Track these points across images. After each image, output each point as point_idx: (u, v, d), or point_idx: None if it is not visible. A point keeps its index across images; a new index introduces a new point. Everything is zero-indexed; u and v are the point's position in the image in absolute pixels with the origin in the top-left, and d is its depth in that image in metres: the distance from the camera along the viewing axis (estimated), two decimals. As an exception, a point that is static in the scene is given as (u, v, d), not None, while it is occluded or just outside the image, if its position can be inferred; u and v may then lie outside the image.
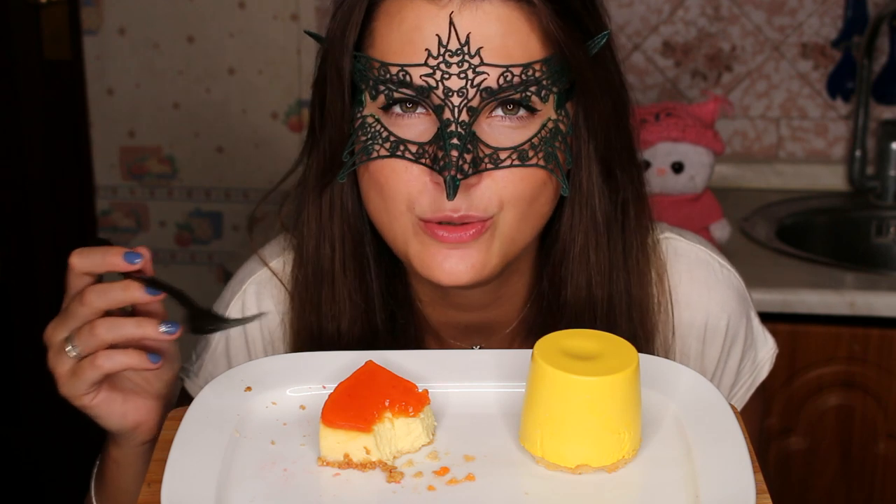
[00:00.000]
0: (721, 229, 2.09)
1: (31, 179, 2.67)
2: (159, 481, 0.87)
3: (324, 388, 0.99)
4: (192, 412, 0.95)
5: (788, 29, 2.42)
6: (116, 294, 0.97)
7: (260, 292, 1.19)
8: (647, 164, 2.05)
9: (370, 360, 0.96)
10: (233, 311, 1.19)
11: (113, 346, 0.98)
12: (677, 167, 2.05)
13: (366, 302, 1.13)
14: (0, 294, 2.74)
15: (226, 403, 0.97)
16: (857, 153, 2.39)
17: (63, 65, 2.60)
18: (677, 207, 2.06)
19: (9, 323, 2.76)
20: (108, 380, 1.02)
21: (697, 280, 1.16)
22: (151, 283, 0.97)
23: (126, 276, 0.98)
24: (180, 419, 0.95)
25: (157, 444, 0.97)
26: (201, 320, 0.98)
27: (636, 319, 1.12)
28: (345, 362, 1.00)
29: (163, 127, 2.60)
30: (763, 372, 1.22)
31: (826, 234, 2.35)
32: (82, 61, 2.58)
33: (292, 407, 0.98)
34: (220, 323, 0.98)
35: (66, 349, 0.98)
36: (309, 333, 1.14)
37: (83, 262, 0.98)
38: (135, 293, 0.97)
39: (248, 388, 0.99)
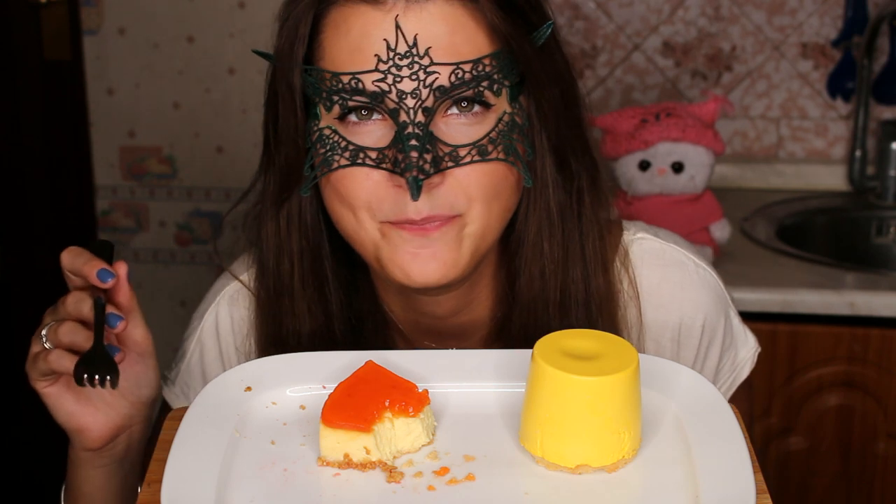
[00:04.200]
0: (721, 229, 2.08)
1: (31, 179, 2.67)
2: (159, 481, 0.87)
3: (324, 388, 0.99)
4: (192, 412, 0.95)
5: (788, 29, 2.42)
6: (84, 310, 1.02)
7: (233, 303, 1.20)
8: (647, 165, 2.05)
9: (370, 360, 0.96)
10: (208, 322, 1.21)
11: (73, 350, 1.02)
12: (677, 167, 2.05)
13: (325, 315, 1.14)
14: (0, 294, 2.74)
15: (226, 403, 0.97)
16: (857, 153, 2.39)
17: (63, 65, 2.60)
18: (677, 207, 2.06)
19: (9, 323, 2.76)
20: (66, 378, 1.06)
21: (670, 280, 1.16)
22: (99, 310, 1.02)
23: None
24: (180, 419, 0.95)
25: (157, 444, 0.97)
26: (93, 361, 0.99)
27: (595, 311, 1.12)
28: (345, 362, 1.00)
29: (163, 127, 2.60)
30: (744, 371, 1.21)
31: (826, 234, 2.35)
32: (82, 61, 2.58)
33: (292, 407, 0.98)
34: (100, 371, 0.99)
35: (43, 334, 1.04)
36: (271, 346, 1.15)
37: (68, 262, 1.04)
38: (89, 319, 1.02)
39: (248, 388, 0.99)
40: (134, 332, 1.07)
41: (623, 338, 1.13)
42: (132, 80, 2.58)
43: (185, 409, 0.97)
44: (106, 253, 1.06)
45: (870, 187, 2.39)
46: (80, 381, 0.98)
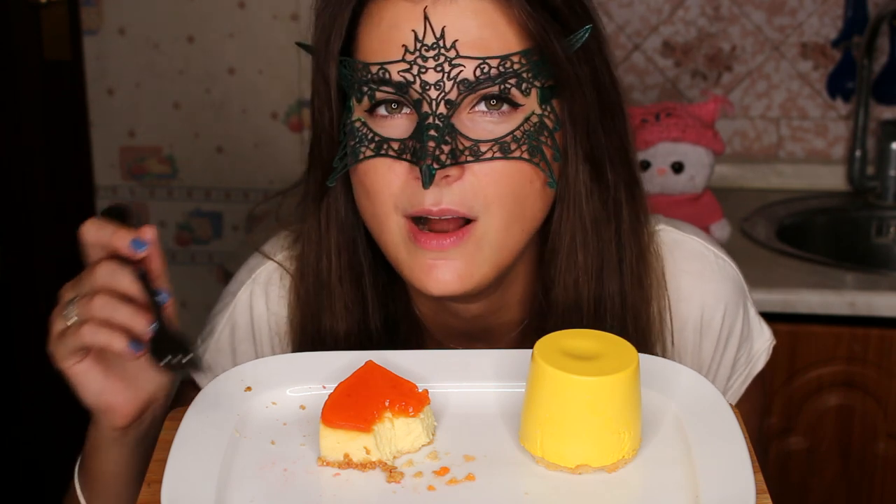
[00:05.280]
0: (721, 229, 2.09)
1: (31, 179, 2.67)
2: (159, 481, 0.87)
3: (324, 388, 0.99)
4: (192, 412, 0.95)
5: (788, 29, 2.42)
6: (122, 282, 0.98)
7: (269, 282, 1.19)
8: (647, 165, 2.05)
9: (370, 360, 0.96)
10: (241, 300, 1.20)
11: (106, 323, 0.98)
12: (677, 167, 2.05)
13: (362, 312, 1.13)
14: (0, 294, 2.74)
15: (226, 403, 0.97)
16: (857, 153, 2.39)
17: (63, 65, 2.60)
18: (677, 207, 2.06)
19: (9, 323, 2.76)
20: (95, 354, 1.02)
21: (692, 271, 1.16)
22: (147, 286, 0.99)
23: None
24: (180, 419, 0.95)
25: (157, 444, 0.97)
26: (165, 343, 0.97)
27: (630, 324, 1.11)
28: (345, 362, 1.00)
29: (163, 127, 2.60)
30: (759, 363, 1.22)
31: (826, 234, 2.35)
32: (82, 61, 2.58)
33: (292, 407, 0.98)
34: (180, 352, 0.97)
35: (66, 311, 0.99)
36: (310, 344, 1.15)
37: (92, 235, 0.99)
38: (135, 293, 0.98)
39: (248, 388, 0.99)
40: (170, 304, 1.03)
41: (656, 347, 1.13)
42: (132, 80, 2.58)
43: (185, 409, 0.97)
44: (125, 219, 1.01)
45: (870, 187, 2.39)
46: (164, 367, 0.95)
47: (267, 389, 1.00)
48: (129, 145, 2.62)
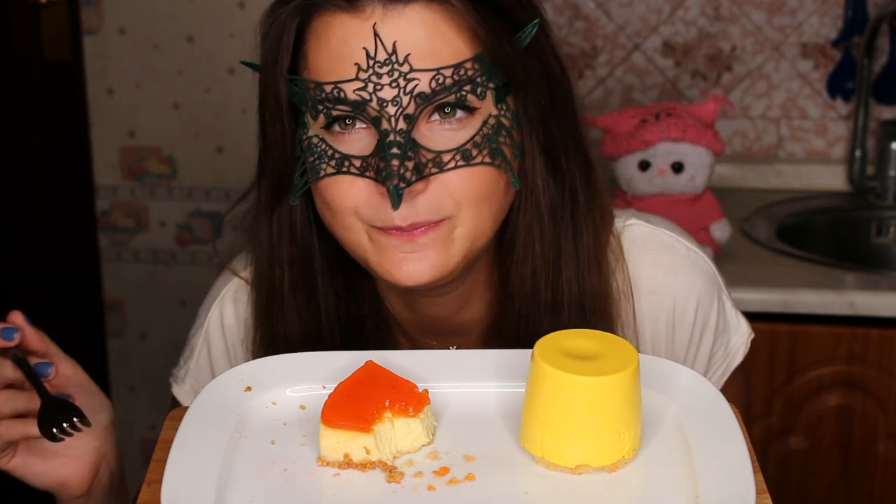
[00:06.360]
0: (721, 229, 2.08)
1: (31, 179, 2.67)
2: (159, 481, 0.87)
3: (324, 388, 0.99)
4: (192, 412, 0.95)
5: (788, 29, 2.42)
6: (6, 374, 1.01)
7: (237, 299, 1.20)
8: (647, 165, 2.05)
9: (370, 360, 0.96)
10: (213, 318, 1.21)
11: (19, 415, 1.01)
12: (677, 167, 2.05)
13: (316, 321, 1.13)
14: (0, 294, 2.74)
15: (226, 403, 0.97)
16: (857, 153, 2.39)
17: (63, 65, 2.60)
18: (677, 207, 2.06)
19: (9, 323, 2.76)
20: (24, 444, 1.05)
21: (662, 264, 1.16)
22: (26, 366, 1.02)
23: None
24: (180, 419, 0.95)
25: (157, 444, 0.97)
26: (54, 413, 1.00)
27: (588, 310, 1.11)
28: (345, 362, 1.01)
29: (163, 127, 2.60)
30: (737, 357, 1.21)
31: (826, 234, 2.35)
32: (82, 61, 2.58)
33: (292, 407, 0.98)
34: (72, 415, 1.00)
35: None
36: (266, 347, 1.15)
37: None
38: (17, 379, 1.02)
39: (248, 388, 0.99)
40: (62, 369, 1.06)
41: (618, 332, 1.13)
42: (132, 80, 2.58)
43: (185, 409, 0.97)
44: None
45: (870, 187, 2.39)
46: (53, 438, 0.99)
47: (267, 389, 1.00)
48: (129, 145, 2.62)
